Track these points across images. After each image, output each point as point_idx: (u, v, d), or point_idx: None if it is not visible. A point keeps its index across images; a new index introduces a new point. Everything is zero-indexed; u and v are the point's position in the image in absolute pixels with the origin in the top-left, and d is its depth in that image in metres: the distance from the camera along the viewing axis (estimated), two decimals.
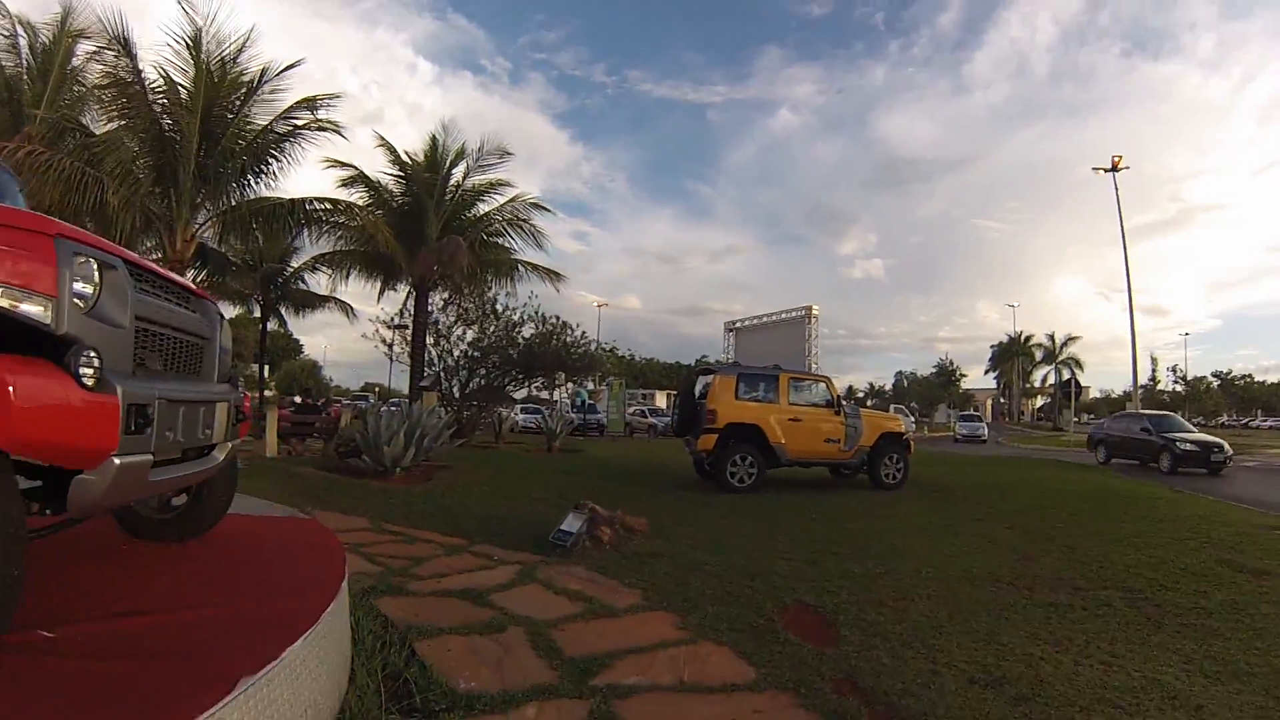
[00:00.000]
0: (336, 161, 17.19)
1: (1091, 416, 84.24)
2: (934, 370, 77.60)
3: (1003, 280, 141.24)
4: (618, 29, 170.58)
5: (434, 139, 18.94)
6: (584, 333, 19.20)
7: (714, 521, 7.98)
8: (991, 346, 77.66)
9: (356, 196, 17.86)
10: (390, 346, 17.93)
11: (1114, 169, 29.86)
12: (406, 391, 18.65)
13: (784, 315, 25.13)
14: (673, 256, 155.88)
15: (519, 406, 38.71)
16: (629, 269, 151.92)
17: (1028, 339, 70.20)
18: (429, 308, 18.08)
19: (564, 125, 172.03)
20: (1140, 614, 4.84)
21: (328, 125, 13.67)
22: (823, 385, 11.72)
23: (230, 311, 31.02)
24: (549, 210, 19.52)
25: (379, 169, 18.65)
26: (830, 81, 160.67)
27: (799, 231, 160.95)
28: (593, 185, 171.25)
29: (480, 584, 4.78)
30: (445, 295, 18.01)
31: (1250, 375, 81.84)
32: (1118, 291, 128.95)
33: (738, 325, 28.99)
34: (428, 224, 17.81)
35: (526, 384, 20.31)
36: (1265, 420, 73.24)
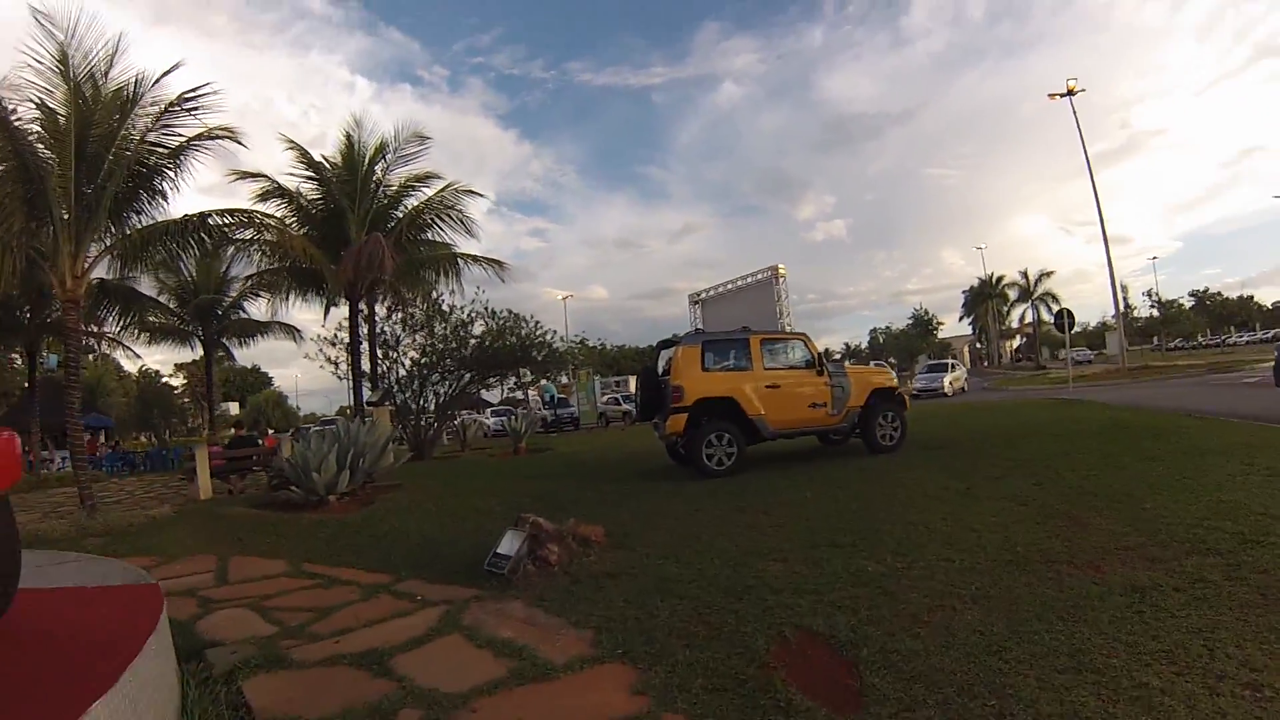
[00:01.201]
0: (243, 173, 15.85)
1: (1083, 351, 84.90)
2: (910, 322, 77.18)
3: (964, 226, 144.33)
4: (551, 22, 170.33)
5: (349, 136, 17.46)
6: (538, 323, 18.00)
7: (688, 517, 6.74)
8: (963, 292, 77.05)
9: (276, 208, 16.68)
10: (336, 365, 16.99)
11: (1069, 94, 30.09)
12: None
13: (749, 279, 23.88)
14: (631, 242, 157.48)
15: (490, 410, 38.61)
16: (590, 260, 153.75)
17: (999, 280, 69.24)
18: (375, 319, 17.10)
19: (509, 125, 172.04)
20: (1249, 589, 3.67)
21: (220, 133, 12.26)
22: (800, 344, 10.48)
23: (174, 354, 29.63)
24: (481, 195, 18.49)
25: (296, 176, 17.33)
26: (769, 49, 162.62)
27: (754, 202, 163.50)
28: (545, 181, 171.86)
29: (388, 640, 3.87)
30: (388, 304, 17.07)
31: (1220, 293, 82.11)
32: (1078, 224, 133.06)
33: (702, 296, 27.60)
34: (349, 227, 16.49)
35: (488, 386, 19.55)
36: (1241, 336, 73.54)
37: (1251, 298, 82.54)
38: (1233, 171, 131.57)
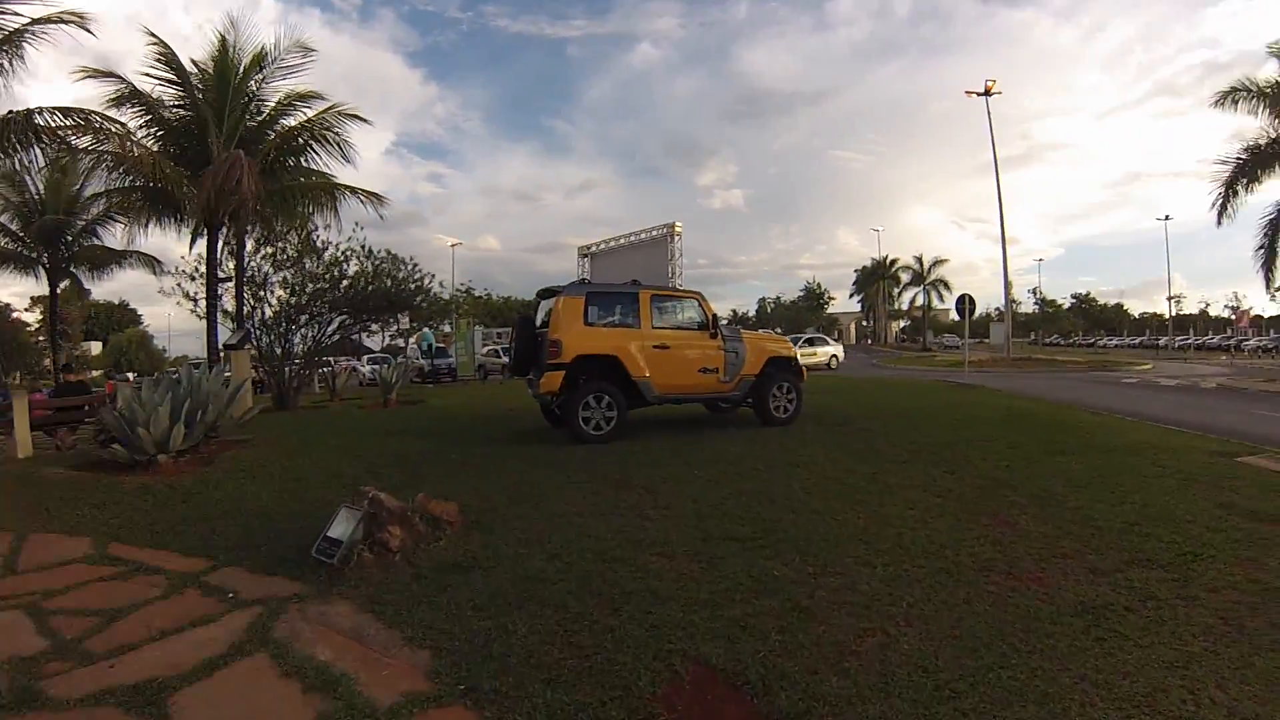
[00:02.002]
0: (93, 71, 13.65)
1: (953, 337, 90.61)
2: (801, 294, 79.46)
3: (862, 209, 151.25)
4: None
5: (223, 40, 15.25)
6: (416, 265, 16.80)
7: (561, 491, 5.98)
8: (855, 270, 79.97)
9: (132, 118, 14.54)
10: (195, 302, 15.17)
11: (987, 93, 32.02)
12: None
13: (643, 235, 23.07)
14: (529, 194, 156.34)
15: (366, 358, 37.80)
16: (486, 209, 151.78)
17: (893, 262, 72.31)
18: (244, 252, 15.37)
19: (417, 64, 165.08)
20: (1206, 611, 3.51)
21: (69, 18, 10.89)
22: (694, 303, 9.82)
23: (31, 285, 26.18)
24: (366, 121, 16.43)
25: (155, 78, 15.02)
26: (693, 15, 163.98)
27: (658, 164, 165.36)
28: (448, 126, 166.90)
29: (177, 663, 3.15)
30: (257, 236, 15.39)
31: (1095, 299, 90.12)
32: (970, 221, 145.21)
33: (592, 250, 26.46)
34: (212, 144, 14.56)
35: (367, 331, 18.74)
36: (1111, 339, 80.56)
37: (1121, 306, 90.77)
38: (1118, 192, 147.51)
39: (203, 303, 14.93)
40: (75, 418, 11.03)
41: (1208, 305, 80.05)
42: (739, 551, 4.25)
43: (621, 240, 24.75)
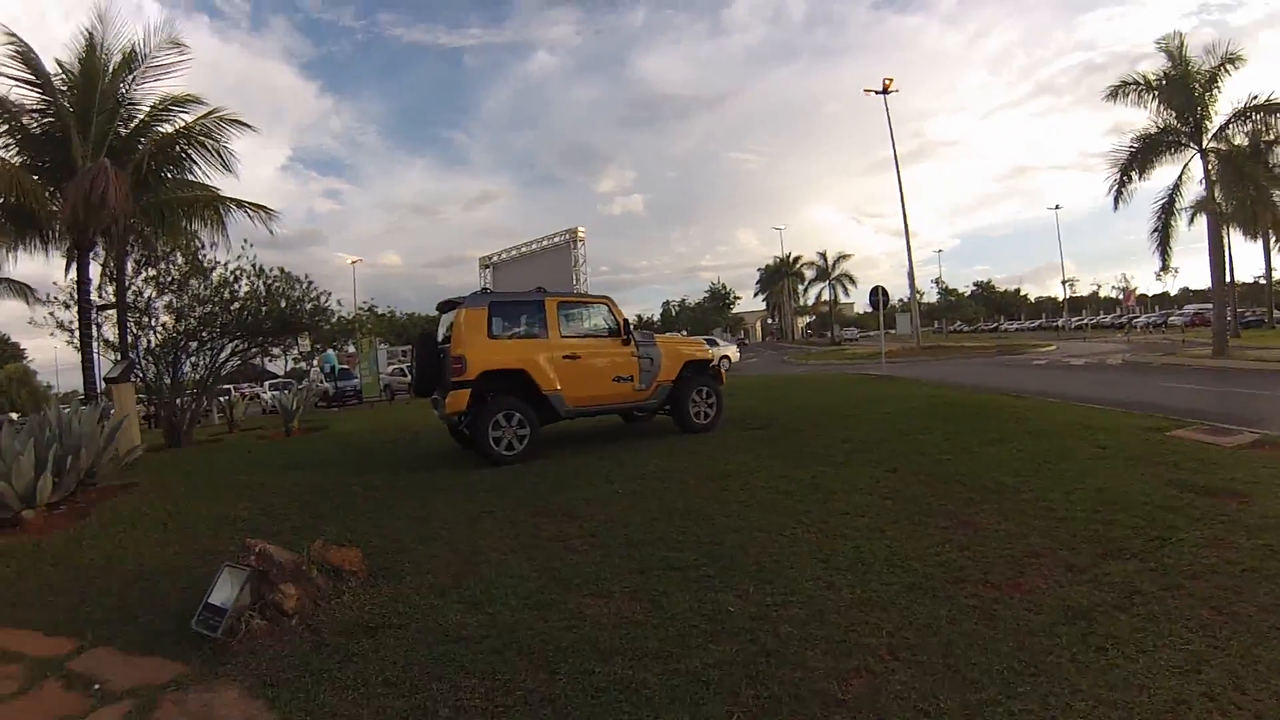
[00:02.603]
0: None
1: (858, 331, 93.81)
2: (706, 295, 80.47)
3: (761, 209, 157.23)
4: None
5: (90, 36, 13.81)
6: (311, 283, 16.02)
7: (475, 524, 5.49)
8: (759, 270, 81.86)
9: None
10: (71, 333, 13.99)
11: (885, 91, 33.26)
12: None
13: (545, 242, 22.68)
14: (428, 208, 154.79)
15: (268, 384, 37.07)
16: (385, 225, 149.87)
17: (796, 260, 74.36)
18: (124, 275, 14.16)
19: (312, 76, 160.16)
20: (1196, 602, 3.41)
21: None
22: (603, 309, 9.46)
23: None
24: (249, 126, 15.21)
25: (10, 78, 13.49)
26: (589, 22, 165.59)
27: (556, 173, 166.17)
28: (344, 140, 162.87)
29: None
30: (136, 257, 14.30)
31: (994, 285, 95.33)
32: (868, 216, 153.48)
33: (493, 260, 25.88)
34: (75, 152, 13.24)
35: (267, 355, 18.27)
36: (1011, 324, 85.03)
37: (1019, 291, 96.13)
38: (1006, 185, 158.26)
39: (80, 333, 13.66)
40: None
41: (1099, 287, 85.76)
42: (683, 584, 3.85)
43: (523, 249, 24.31)
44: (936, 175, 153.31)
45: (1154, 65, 22.40)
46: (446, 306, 9.29)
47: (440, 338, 9.22)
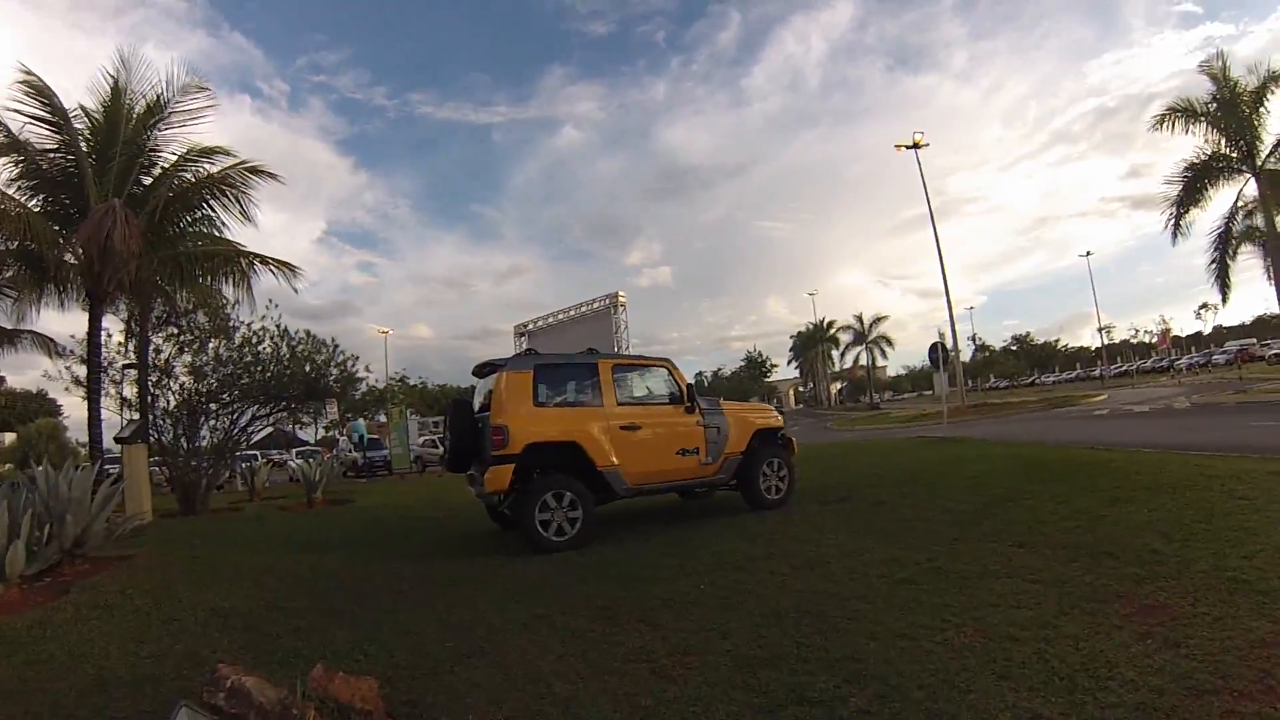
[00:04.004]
0: None
1: (892, 394, 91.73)
2: (742, 363, 79.50)
3: (788, 277, 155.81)
4: (398, 50, 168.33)
5: (115, 82, 13.30)
6: (338, 346, 15.19)
7: (525, 635, 4.33)
8: (792, 336, 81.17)
9: (2, 172, 12.60)
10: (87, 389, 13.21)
11: (915, 146, 32.62)
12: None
13: (585, 309, 21.92)
14: (459, 281, 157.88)
15: (295, 452, 35.97)
16: (417, 297, 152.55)
17: (829, 324, 73.44)
18: (146, 331, 13.54)
19: (346, 152, 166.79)
20: None
21: None
22: (663, 372, 8.44)
23: None
24: (275, 177, 14.33)
25: (27, 116, 12.86)
26: (612, 97, 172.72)
27: (585, 246, 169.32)
28: (377, 214, 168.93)
29: None
30: (157, 313, 13.74)
31: (1032, 338, 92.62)
32: (895, 279, 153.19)
33: (530, 328, 25.11)
34: (89, 196, 12.57)
35: (297, 421, 17.96)
36: (1048, 376, 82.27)
37: (1057, 342, 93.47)
38: (1029, 237, 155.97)
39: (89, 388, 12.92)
40: None
41: (1136, 332, 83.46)
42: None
43: (561, 315, 23.46)
44: (959, 233, 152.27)
45: (1167, 103, 21.67)
46: (485, 370, 8.26)
47: (478, 406, 8.18)
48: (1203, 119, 20.10)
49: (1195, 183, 20.34)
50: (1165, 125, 20.69)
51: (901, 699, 2.90)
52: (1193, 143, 20.82)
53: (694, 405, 8.17)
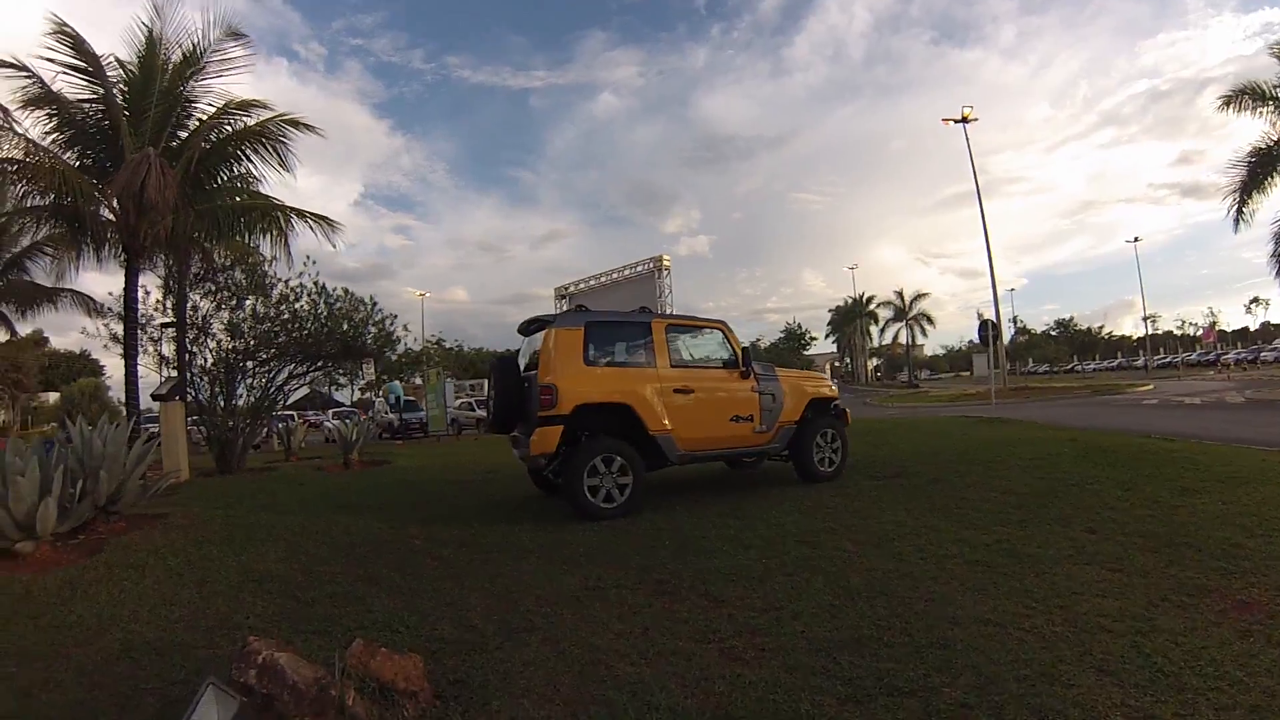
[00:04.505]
0: None
1: (929, 373, 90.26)
2: (781, 335, 78.55)
3: (825, 250, 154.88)
4: (436, 13, 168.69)
5: (150, 33, 12.91)
6: (376, 304, 14.75)
7: (579, 607, 4.13)
8: (829, 311, 79.89)
9: (36, 124, 12.31)
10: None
11: (964, 120, 31.38)
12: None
13: (628, 271, 21.54)
14: (495, 245, 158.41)
15: (332, 413, 36.68)
16: (453, 261, 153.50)
17: (870, 299, 71.93)
18: (185, 286, 13.22)
19: (383, 115, 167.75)
20: None
21: None
22: (718, 335, 8.08)
23: None
24: (313, 129, 13.89)
25: (59, 65, 12.56)
26: (652, 64, 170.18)
27: (622, 213, 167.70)
28: (414, 177, 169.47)
29: None
30: (195, 270, 13.34)
31: (1076, 323, 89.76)
32: (933, 256, 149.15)
33: (570, 290, 24.72)
34: (124, 148, 12.30)
35: (333, 381, 17.62)
36: (1088, 364, 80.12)
37: (1101, 328, 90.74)
38: (1073, 221, 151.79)
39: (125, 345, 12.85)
40: None
41: (1182, 324, 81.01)
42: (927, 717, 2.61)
43: (603, 278, 23.05)
44: (1002, 213, 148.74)
45: (1222, 89, 20.70)
46: (532, 327, 7.97)
47: (523, 365, 7.89)
48: (1270, 103, 19.19)
49: (1260, 169, 19.47)
50: (1233, 107, 19.82)
51: (1000, 691, 2.72)
52: (1259, 127, 19.95)
53: (749, 370, 7.87)
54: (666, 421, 7.19)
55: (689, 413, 7.36)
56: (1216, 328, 70.41)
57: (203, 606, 4.37)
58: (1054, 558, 4.51)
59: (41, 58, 12.13)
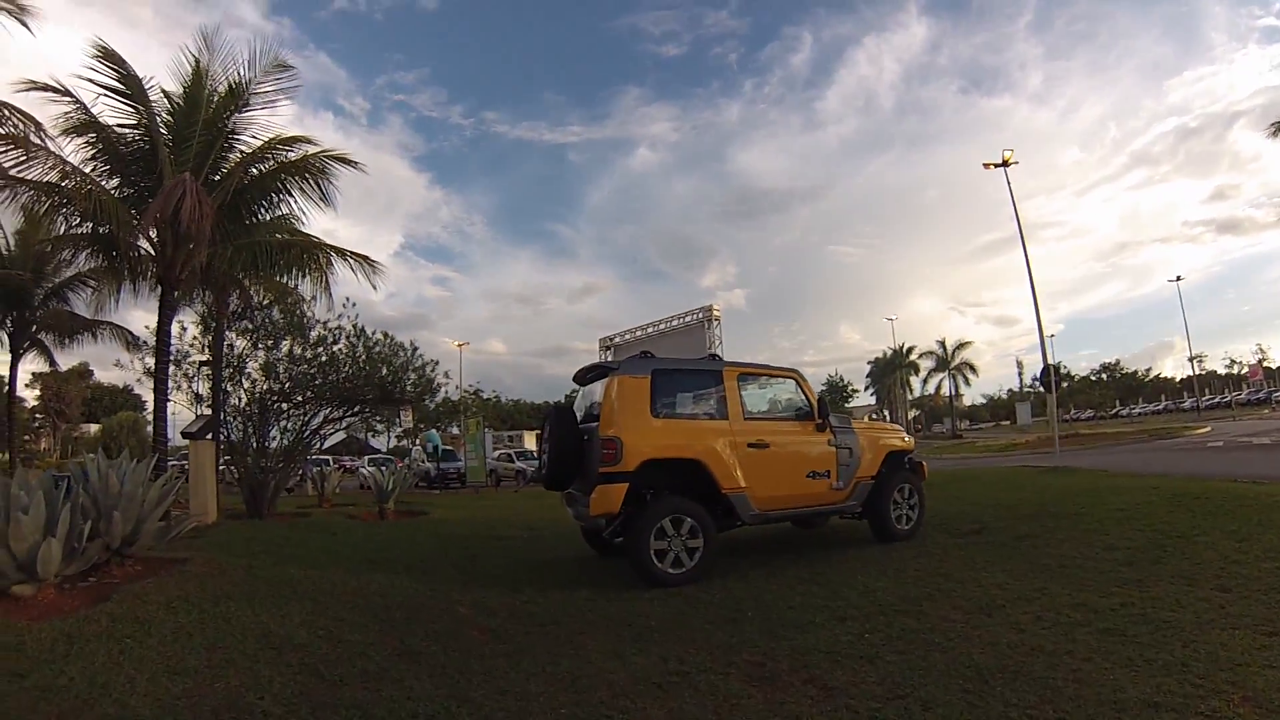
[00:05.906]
0: (33, 84, 11.11)
1: (970, 423, 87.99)
2: (824, 388, 77.45)
3: (862, 302, 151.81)
4: (475, 70, 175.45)
5: (198, 63, 12.24)
6: (416, 349, 14.35)
7: (665, 701, 3.47)
8: (868, 363, 78.80)
9: (77, 153, 11.74)
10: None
11: (1004, 164, 30.70)
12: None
13: (677, 321, 21.07)
14: (533, 298, 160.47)
15: (367, 459, 36.10)
16: (490, 312, 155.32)
17: (910, 350, 70.81)
18: (223, 322, 12.97)
19: (423, 168, 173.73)
20: None
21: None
22: (791, 384, 7.59)
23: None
24: (357, 166, 13.05)
25: (97, 88, 11.87)
26: (686, 119, 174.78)
27: (658, 267, 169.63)
28: (452, 229, 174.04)
29: None
30: (233, 307, 13.04)
31: (1123, 367, 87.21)
32: (969, 306, 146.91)
33: (616, 341, 24.26)
34: (165, 175, 11.63)
35: (369, 427, 15.90)
36: (1133, 408, 77.40)
37: (1149, 371, 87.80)
38: (1108, 264, 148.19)
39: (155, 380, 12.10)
40: None
41: (1232, 362, 78.24)
42: None
43: (649, 329, 22.41)
44: (1035, 259, 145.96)
45: (1253, 121, 20.17)
46: (591, 374, 7.44)
47: (581, 415, 7.28)
48: None
49: None
50: None
51: None
52: None
53: (826, 422, 7.36)
54: (740, 479, 6.64)
55: (764, 469, 6.81)
56: (1264, 364, 67.57)
57: (210, 678, 3.78)
58: (1195, 623, 3.96)
59: (82, 78, 11.59)
